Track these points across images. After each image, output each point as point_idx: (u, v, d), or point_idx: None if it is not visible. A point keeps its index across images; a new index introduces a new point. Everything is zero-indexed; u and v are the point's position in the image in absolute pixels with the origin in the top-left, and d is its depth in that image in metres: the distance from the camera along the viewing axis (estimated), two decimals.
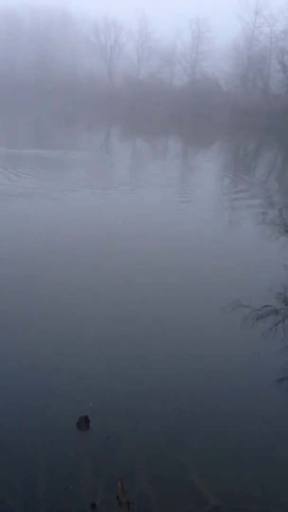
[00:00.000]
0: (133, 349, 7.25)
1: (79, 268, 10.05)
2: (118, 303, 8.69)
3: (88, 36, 68.50)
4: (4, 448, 5.19)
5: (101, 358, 6.88)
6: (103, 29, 68.47)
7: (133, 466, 5.11)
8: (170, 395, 6.28)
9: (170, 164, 26.31)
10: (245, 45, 59.34)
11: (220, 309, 8.48)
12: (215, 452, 5.38)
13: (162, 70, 63.88)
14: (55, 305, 8.35)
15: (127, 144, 36.28)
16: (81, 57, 69.61)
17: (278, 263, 10.89)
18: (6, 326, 7.53)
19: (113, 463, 5.11)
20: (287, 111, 47.56)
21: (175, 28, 62.58)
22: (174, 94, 58.13)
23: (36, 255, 10.61)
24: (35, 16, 71.69)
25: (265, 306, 8.76)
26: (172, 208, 16.02)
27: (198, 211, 15.89)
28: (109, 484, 4.83)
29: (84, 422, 5.59)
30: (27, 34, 71.23)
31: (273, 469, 5.26)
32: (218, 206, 16.54)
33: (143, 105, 55.03)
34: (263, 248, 12.49)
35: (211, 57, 59.95)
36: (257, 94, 55.85)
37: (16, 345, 7.02)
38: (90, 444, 5.32)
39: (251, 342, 7.74)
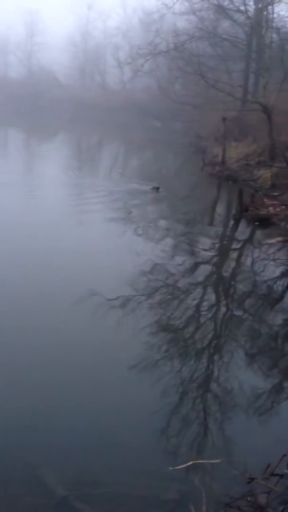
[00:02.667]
0: None
1: None
2: None
3: None
4: None
5: None
6: None
7: None
8: (16, 388, 5.90)
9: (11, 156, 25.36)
10: (80, 39, 59.70)
11: (73, 302, 8.17)
12: (64, 445, 5.17)
13: None
14: None
15: None
16: None
17: (128, 254, 10.95)
18: None
19: None
20: (125, 105, 48.96)
21: (7, 19, 60.48)
22: (10, 86, 56.26)
23: None
24: None
25: (119, 296, 8.74)
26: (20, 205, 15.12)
27: (45, 208, 15.23)
28: None
29: None
30: None
31: (119, 453, 5.22)
32: (66, 201, 16.14)
33: None
34: (113, 240, 12.43)
35: (48, 49, 59.23)
36: (96, 88, 56.64)
37: None
38: None
39: (104, 331, 7.55)
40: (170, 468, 4.86)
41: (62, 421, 5.49)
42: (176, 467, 4.85)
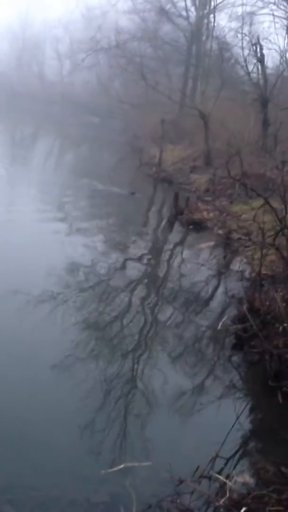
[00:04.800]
0: None
1: None
2: None
3: None
4: None
5: None
6: None
7: None
8: None
9: None
10: (19, 27, 58.04)
11: None
12: None
13: None
14: None
15: None
16: None
17: (58, 253, 10.79)
18: None
19: None
20: (63, 99, 48.17)
21: None
22: None
23: None
24: None
25: (46, 293, 8.58)
26: None
27: None
28: None
29: None
30: None
31: (49, 455, 5.13)
32: None
33: None
34: (43, 238, 12.17)
35: None
36: (33, 79, 55.27)
37: None
38: None
39: (28, 329, 7.35)
40: (102, 471, 4.86)
41: None
42: (108, 470, 4.85)
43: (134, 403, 6.11)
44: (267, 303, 7.45)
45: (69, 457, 5.16)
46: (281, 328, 6.79)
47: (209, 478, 4.86)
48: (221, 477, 4.82)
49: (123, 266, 10.61)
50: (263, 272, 8.04)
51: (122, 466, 4.88)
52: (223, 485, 4.73)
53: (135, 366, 6.88)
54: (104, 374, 6.60)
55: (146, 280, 10.25)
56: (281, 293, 7.31)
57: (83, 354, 7.00)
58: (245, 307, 7.76)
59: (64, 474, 4.90)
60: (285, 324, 6.72)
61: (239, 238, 11.94)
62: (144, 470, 4.91)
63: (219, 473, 4.92)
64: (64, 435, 5.40)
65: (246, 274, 9.76)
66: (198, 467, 4.87)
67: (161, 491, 4.72)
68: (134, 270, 10.50)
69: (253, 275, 8.95)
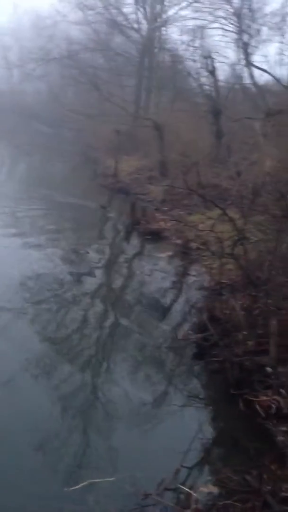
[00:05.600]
0: None
1: None
2: None
3: None
4: None
5: None
6: None
7: None
8: None
9: None
10: None
11: None
12: None
13: None
14: None
15: None
16: None
17: (13, 265, 10.57)
18: None
19: None
20: (13, 108, 47.34)
21: None
22: None
23: None
24: None
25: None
26: None
27: None
28: None
29: None
30: None
31: (9, 474, 4.97)
32: None
33: None
34: None
35: None
36: None
37: None
38: None
39: None
40: (65, 489, 4.74)
41: None
42: (72, 488, 4.74)
43: (95, 417, 6.03)
44: (227, 311, 7.53)
45: (30, 476, 5.00)
46: (241, 336, 6.88)
47: (174, 490, 4.83)
48: (185, 489, 4.80)
49: (80, 279, 10.49)
50: (222, 281, 8.13)
51: (86, 483, 4.78)
52: (188, 496, 4.71)
53: (94, 379, 6.79)
54: (61, 389, 6.50)
55: (103, 292, 10.17)
56: (240, 302, 7.41)
57: (39, 368, 6.86)
58: (205, 316, 7.81)
59: (27, 495, 4.75)
60: (245, 332, 6.81)
61: (198, 248, 12.06)
62: (108, 485, 4.82)
63: (184, 484, 4.90)
64: (23, 454, 5.25)
65: (205, 283, 9.84)
66: (163, 479, 4.83)
67: (126, 506, 4.65)
68: (91, 282, 10.40)
69: (212, 284, 9.03)
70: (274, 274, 7.65)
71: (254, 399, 6.04)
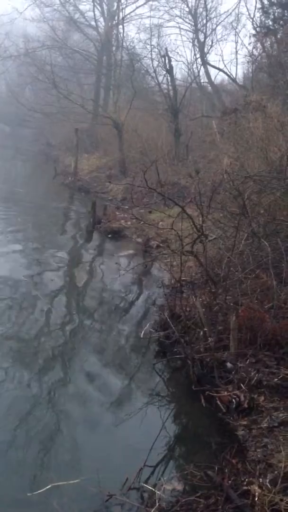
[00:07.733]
0: None
1: None
2: None
3: None
4: None
5: None
6: None
7: None
8: None
9: None
10: None
11: None
12: None
13: None
14: None
15: None
16: None
17: None
18: None
19: None
20: None
21: None
22: None
23: None
24: None
25: None
26: None
27: None
28: None
29: None
30: None
31: None
32: None
33: None
34: None
35: None
36: None
37: None
38: None
39: None
40: (28, 494, 4.69)
41: None
42: (34, 492, 4.69)
43: (56, 418, 5.97)
44: (188, 309, 7.60)
45: None
46: (201, 333, 6.96)
47: (138, 489, 4.85)
48: (149, 487, 4.83)
49: (40, 279, 10.38)
50: (183, 278, 8.20)
51: (49, 486, 4.74)
52: (152, 494, 4.74)
53: (54, 380, 6.72)
54: (21, 390, 6.41)
55: (64, 292, 10.09)
56: (200, 299, 7.49)
57: (3, 369, 6.75)
58: (166, 313, 7.86)
59: None
60: (206, 329, 6.89)
61: (158, 246, 12.11)
62: (72, 488, 4.80)
63: (148, 482, 4.93)
64: None
65: (166, 281, 9.90)
66: (127, 479, 4.84)
67: (90, 507, 4.64)
68: (52, 282, 10.30)
69: (172, 282, 9.09)
70: (232, 271, 7.78)
71: (215, 394, 6.12)
